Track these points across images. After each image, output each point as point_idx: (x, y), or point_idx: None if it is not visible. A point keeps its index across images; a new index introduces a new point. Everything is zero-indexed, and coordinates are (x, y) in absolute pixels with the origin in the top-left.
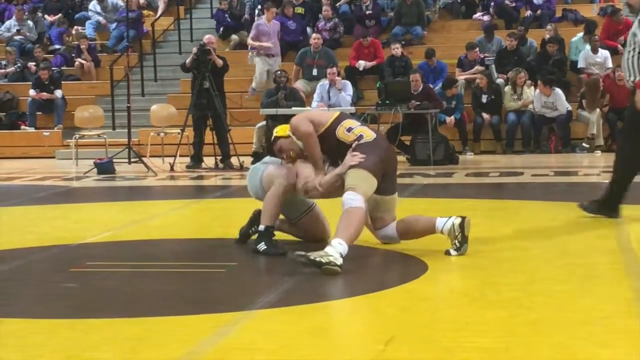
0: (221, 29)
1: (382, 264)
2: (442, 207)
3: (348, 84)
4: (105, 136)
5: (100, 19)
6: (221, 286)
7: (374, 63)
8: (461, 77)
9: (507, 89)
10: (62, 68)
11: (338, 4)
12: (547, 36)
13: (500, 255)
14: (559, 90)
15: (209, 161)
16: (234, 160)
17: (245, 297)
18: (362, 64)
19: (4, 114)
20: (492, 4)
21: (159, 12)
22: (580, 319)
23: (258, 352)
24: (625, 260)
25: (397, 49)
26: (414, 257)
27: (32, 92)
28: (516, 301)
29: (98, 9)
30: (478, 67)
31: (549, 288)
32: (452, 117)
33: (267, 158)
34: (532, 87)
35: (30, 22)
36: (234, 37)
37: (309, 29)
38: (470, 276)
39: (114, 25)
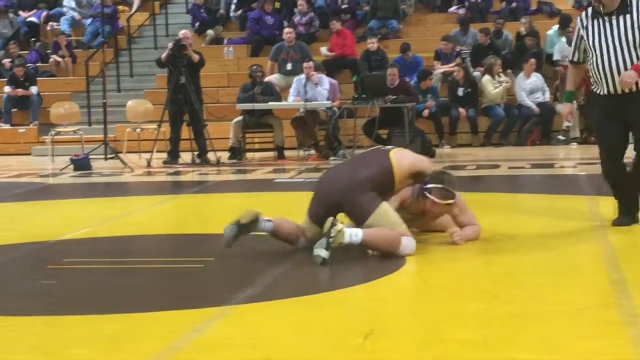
0: (197, 24)
1: (360, 258)
2: None
3: (325, 78)
4: (81, 132)
5: (75, 14)
6: (200, 281)
7: (334, 54)
8: (439, 70)
9: (486, 79)
10: (37, 64)
11: None
12: (522, 29)
13: (477, 248)
14: (537, 74)
15: (185, 157)
16: (210, 156)
17: (224, 292)
18: (323, 50)
19: None
20: None
21: (134, 7)
22: (558, 310)
23: (238, 346)
24: (602, 251)
25: (373, 43)
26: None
27: (7, 88)
28: (495, 293)
29: (73, 4)
30: (458, 59)
31: (527, 280)
32: (428, 110)
33: None
34: (509, 72)
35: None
36: (210, 32)
37: (285, 24)
38: (448, 269)
39: (89, 21)
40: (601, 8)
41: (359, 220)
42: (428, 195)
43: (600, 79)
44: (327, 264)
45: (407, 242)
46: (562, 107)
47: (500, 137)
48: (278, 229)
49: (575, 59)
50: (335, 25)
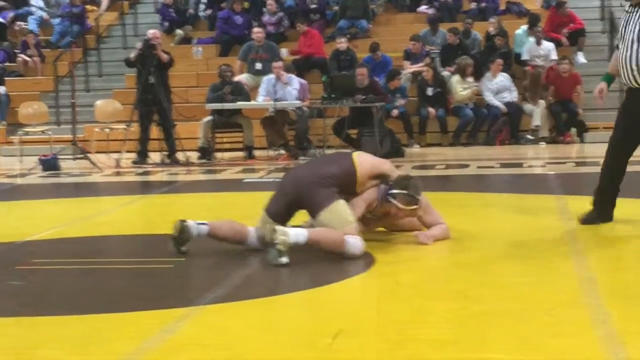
0: (166, 23)
1: (329, 258)
2: None
3: (294, 78)
4: (49, 132)
5: (44, 14)
6: (169, 282)
7: (296, 57)
8: (408, 70)
9: (455, 79)
10: (5, 64)
11: None
12: (491, 29)
13: (447, 247)
14: (505, 74)
15: (155, 157)
16: (180, 156)
17: (193, 293)
18: (284, 53)
19: None
20: None
21: (103, 7)
22: (528, 309)
23: (207, 347)
24: (572, 251)
25: (342, 43)
26: None
27: None
28: (465, 293)
29: (41, 4)
30: (427, 59)
31: (497, 280)
32: (397, 110)
33: None
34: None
35: None
36: (179, 31)
37: (254, 23)
38: (417, 269)
39: (57, 20)
40: None
41: (313, 213)
42: (392, 200)
43: (620, 71)
44: (287, 265)
45: (353, 242)
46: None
47: (469, 136)
48: (215, 231)
49: (618, 46)
50: (301, 27)
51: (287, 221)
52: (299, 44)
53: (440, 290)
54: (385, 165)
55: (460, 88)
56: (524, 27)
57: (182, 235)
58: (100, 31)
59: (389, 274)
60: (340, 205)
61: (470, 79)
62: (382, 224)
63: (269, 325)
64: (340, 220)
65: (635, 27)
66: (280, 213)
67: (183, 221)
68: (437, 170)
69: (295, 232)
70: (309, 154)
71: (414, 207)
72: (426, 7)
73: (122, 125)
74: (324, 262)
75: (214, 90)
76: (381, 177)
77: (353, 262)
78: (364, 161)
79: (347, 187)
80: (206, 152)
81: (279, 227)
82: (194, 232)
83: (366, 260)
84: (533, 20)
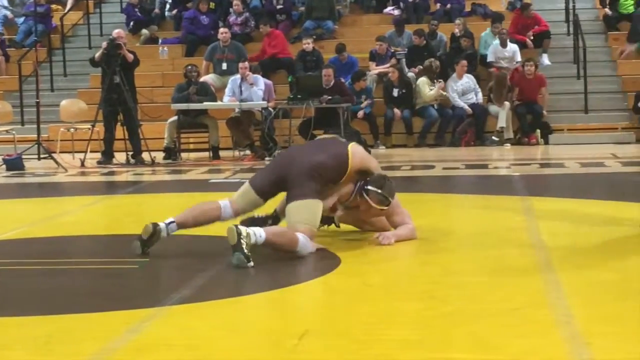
0: (131, 23)
1: (295, 258)
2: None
3: (260, 78)
4: (14, 132)
5: (8, 13)
6: (134, 282)
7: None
8: (374, 71)
9: (423, 81)
10: None
11: None
12: (457, 30)
13: (413, 248)
14: (470, 75)
15: (120, 157)
16: (145, 156)
17: (159, 293)
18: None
19: None
20: None
21: (68, 6)
22: (493, 310)
23: (173, 347)
24: (535, 252)
25: (308, 44)
26: (326, 251)
27: None
28: (430, 293)
29: (5, 2)
30: (393, 60)
31: (462, 280)
32: (362, 111)
33: None
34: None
35: None
36: (144, 31)
37: (220, 24)
38: (383, 269)
39: (21, 19)
40: None
41: (289, 198)
42: (365, 196)
43: None
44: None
45: (304, 241)
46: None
47: (436, 137)
48: (185, 224)
49: None
50: (265, 28)
51: (268, 199)
52: (263, 45)
53: (407, 291)
54: (372, 162)
55: (428, 89)
56: (489, 29)
57: (152, 238)
58: (65, 30)
59: (356, 274)
60: (316, 206)
61: (440, 81)
62: (351, 219)
63: (235, 325)
64: (307, 218)
65: None
66: (265, 189)
67: (155, 225)
68: (403, 172)
69: (254, 232)
70: (274, 154)
71: (384, 207)
72: (392, 8)
73: (87, 125)
74: (289, 263)
75: (180, 90)
76: (366, 172)
77: (319, 263)
78: (356, 154)
79: (334, 178)
80: (172, 153)
81: (241, 228)
82: (164, 234)
83: (333, 261)
84: (495, 18)
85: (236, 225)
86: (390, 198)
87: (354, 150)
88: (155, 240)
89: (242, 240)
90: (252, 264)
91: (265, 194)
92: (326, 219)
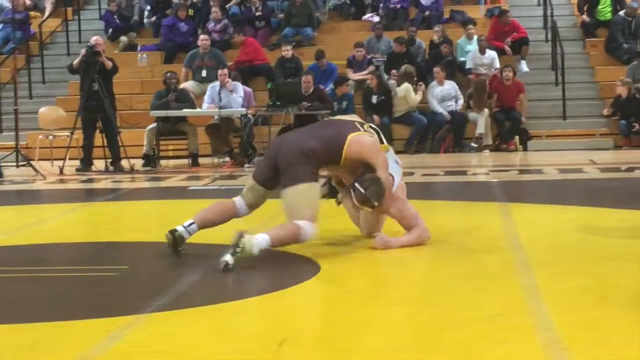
0: (110, 30)
1: (275, 265)
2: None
3: (239, 85)
4: None
5: None
6: (114, 290)
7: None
8: (353, 78)
9: (407, 87)
10: None
11: (228, 5)
12: (435, 37)
13: (393, 255)
14: (451, 82)
15: (99, 164)
16: (124, 163)
17: (138, 300)
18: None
19: None
20: (381, 5)
21: (47, 13)
22: (473, 316)
23: (153, 354)
24: (515, 258)
25: (287, 51)
26: (306, 258)
27: None
28: (410, 300)
29: None
30: (371, 67)
31: (442, 286)
32: None
33: None
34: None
35: None
36: (123, 38)
37: (199, 31)
38: (364, 275)
39: None
40: None
41: (284, 184)
42: (351, 192)
43: None
44: (230, 269)
45: (306, 228)
46: None
47: (418, 144)
48: (204, 224)
49: None
50: (239, 37)
51: (275, 186)
52: (239, 53)
53: (386, 298)
54: (374, 158)
55: (414, 93)
56: (465, 35)
57: (175, 244)
58: (44, 37)
59: (336, 280)
60: (311, 188)
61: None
62: (349, 206)
63: (215, 332)
64: (304, 202)
65: None
66: (266, 178)
67: (173, 231)
68: None
69: (258, 241)
70: (253, 161)
71: (367, 208)
72: (371, 15)
73: (66, 133)
74: (270, 269)
75: (159, 97)
76: (367, 165)
77: (300, 270)
78: (355, 144)
79: (330, 160)
80: (151, 160)
81: (246, 235)
82: (186, 236)
83: (313, 267)
84: (466, 21)
85: (241, 234)
86: (373, 201)
87: (356, 139)
88: (181, 244)
89: (239, 244)
90: (231, 259)
91: (267, 181)
92: (333, 191)
